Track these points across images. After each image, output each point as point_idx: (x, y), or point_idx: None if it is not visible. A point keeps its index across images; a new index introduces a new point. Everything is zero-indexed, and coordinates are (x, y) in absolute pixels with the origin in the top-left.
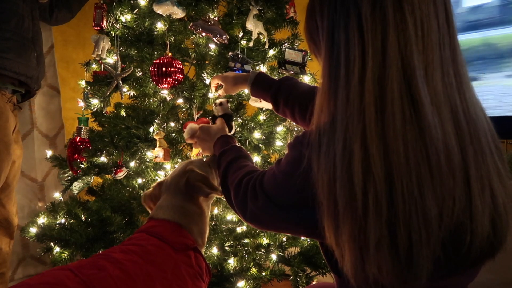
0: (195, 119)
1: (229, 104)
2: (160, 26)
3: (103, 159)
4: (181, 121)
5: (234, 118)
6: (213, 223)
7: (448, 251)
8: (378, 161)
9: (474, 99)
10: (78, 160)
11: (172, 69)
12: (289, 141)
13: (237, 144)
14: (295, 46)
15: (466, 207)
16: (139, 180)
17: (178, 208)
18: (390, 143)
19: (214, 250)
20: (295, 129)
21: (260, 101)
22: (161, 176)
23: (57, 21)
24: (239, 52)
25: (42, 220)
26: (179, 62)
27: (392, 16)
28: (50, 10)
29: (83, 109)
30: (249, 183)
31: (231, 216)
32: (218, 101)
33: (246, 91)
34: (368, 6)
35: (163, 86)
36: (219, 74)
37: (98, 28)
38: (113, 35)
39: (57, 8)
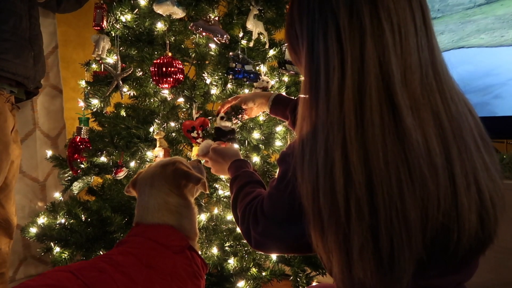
0: (194, 119)
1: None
2: (160, 26)
3: (103, 159)
4: (180, 121)
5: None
6: (213, 223)
7: (436, 251)
8: (358, 167)
9: (457, 97)
10: (78, 160)
11: (172, 69)
12: (288, 143)
13: (250, 169)
14: None
15: (452, 205)
16: None
17: (164, 206)
18: (370, 149)
19: (214, 250)
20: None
21: None
22: None
23: (65, 11)
24: (239, 52)
25: (42, 220)
26: (179, 62)
27: (369, 24)
28: (58, 0)
29: (83, 109)
30: (251, 210)
31: (231, 216)
32: (222, 114)
33: (247, 90)
34: (345, 15)
35: (163, 86)
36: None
37: (98, 28)
38: (113, 35)
39: None
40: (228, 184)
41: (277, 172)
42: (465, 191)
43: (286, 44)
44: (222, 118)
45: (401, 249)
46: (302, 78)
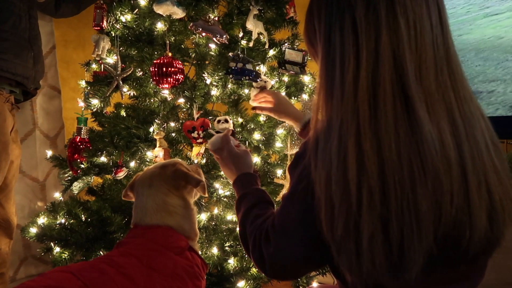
0: (195, 119)
1: (231, 121)
2: (160, 26)
3: (103, 159)
4: (181, 121)
5: (234, 118)
6: (213, 223)
7: (448, 246)
8: (371, 156)
9: (470, 98)
10: (78, 160)
11: (172, 69)
12: (289, 144)
13: (259, 185)
14: (295, 46)
15: (464, 202)
16: None
17: (162, 207)
18: (383, 139)
19: (214, 250)
20: (295, 130)
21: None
22: None
23: (62, 15)
24: (239, 52)
25: (42, 220)
26: (180, 62)
27: (384, 18)
28: (57, 4)
29: (83, 109)
30: (262, 232)
31: (231, 216)
32: (223, 118)
33: (247, 90)
34: (362, 9)
35: (163, 86)
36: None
37: (98, 28)
38: (113, 35)
39: (64, 3)
40: (229, 182)
41: (290, 178)
42: (476, 189)
43: (285, 45)
44: (219, 121)
45: (411, 240)
46: (302, 77)
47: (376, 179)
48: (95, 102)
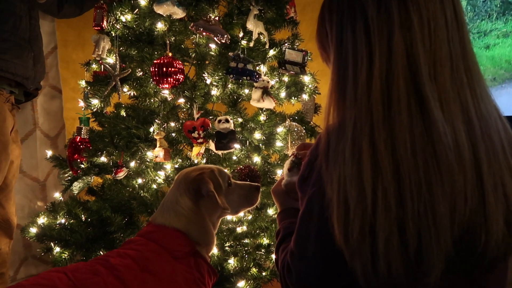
0: (195, 119)
1: (232, 121)
2: (160, 26)
3: (103, 159)
4: (181, 121)
5: (234, 118)
6: None
7: (463, 251)
8: (385, 157)
9: (486, 97)
10: (78, 160)
11: (172, 69)
12: (289, 143)
13: (291, 218)
14: (295, 46)
15: (479, 204)
16: (139, 180)
17: (172, 206)
18: (397, 139)
19: (214, 250)
20: (295, 129)
21: (263, 101)
22: (161, 176)
23: (64, 16)
24: (240, 52)
25: (42, 220)
26: (180, 62)
27: (397, 16)
28: (59, 4)
29: (83, 109)
30: (284, 266)
31: (231, 216)
32: (224, 117)
33: (247, 90)
34: (373, 9)
35: (163, 86)
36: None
37: (99, 28)
38: (113, 35)
39: (67, 4)
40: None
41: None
42: (492, 191)
43: (286, 45)
44: (219, 121)
45: (429, 242)
46: (302, 77)
47: (391, 180)
48: (95, 102)
